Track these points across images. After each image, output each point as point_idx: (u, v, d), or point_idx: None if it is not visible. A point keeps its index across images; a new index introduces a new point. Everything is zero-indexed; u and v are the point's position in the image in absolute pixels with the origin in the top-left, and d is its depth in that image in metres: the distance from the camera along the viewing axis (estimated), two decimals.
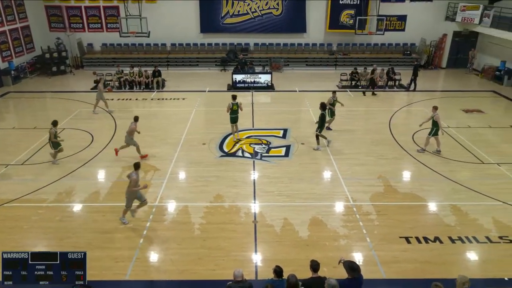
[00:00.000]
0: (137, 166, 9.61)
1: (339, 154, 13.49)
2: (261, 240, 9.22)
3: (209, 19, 25.19)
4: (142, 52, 25.85)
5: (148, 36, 21.75)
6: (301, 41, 25.98)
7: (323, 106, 13.66)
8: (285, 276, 6.35)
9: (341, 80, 21.90)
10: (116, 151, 13.23)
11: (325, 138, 14.02)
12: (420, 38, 25.93)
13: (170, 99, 19.64)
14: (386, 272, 8.23)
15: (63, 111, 17.55)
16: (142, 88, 21.14)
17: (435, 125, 13.18)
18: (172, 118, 17.10)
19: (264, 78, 21.26)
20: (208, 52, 26.02)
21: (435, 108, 13.40)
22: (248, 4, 24.99)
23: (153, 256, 8.73)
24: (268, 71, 22.52)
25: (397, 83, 21.73)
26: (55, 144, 12.59)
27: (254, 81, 21.14)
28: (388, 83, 21.57)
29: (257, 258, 8.69)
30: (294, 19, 25.24)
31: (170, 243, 9.08)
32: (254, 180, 11.92)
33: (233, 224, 9.80)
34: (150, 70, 21.52)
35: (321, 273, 6.58)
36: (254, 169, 12.55)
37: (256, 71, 22.24)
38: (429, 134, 13.46)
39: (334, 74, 23.43)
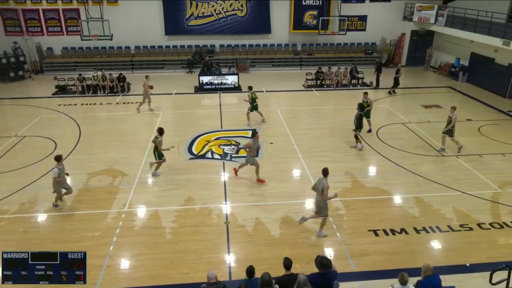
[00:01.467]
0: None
1: (308, 152, 13.69)
2: (233, 240, 9.21)
3: (174, 21, 24.88)
4: (106, 56, 25.17)
5: (111, 39, 21.21)
6: (266, 42, 26.16)
7: (361, 106, 13.83)
8: (258, 275, 6.37)
9: (307, 79, 22.23)
10: (235, 171, 12.04)
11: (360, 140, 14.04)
12: (380, 37, 26.75)
13: (136, 102, 19.20)
14: (356, 264, 8.43)
15: (23, 118, 16.81)
16: (106, 92, 20.59)
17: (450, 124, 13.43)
18: (139, 122, 16.76)
19: (231, 79, 21.25)
20: (173, 54, 25.69)
21: (453, 108, 13.50)
22: (213, 6, 24.89)
23: (124, 263, 8.52)
24: (235, 72, 22.52)
25: (360, 81, 22.32)
26: (160, 154, 11.95)
27: (221, 82, 21.08)
28: (352, 82, 22.10)
29: (230, 259, 8.67)
30: (259, 20, 25.38)
31: (141, 249, 8.89)
32: (224, 181, 11.89)
33: (205, 226, 9.73)
34: (114, 74, 21.00)
35: (294, 270, 6.65)
36: (224, 170, 12.51)
37: (223, 72, 22.19)
38: (449, 136, 13.57)
39: (300, 74, 23.75)
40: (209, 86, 21.07)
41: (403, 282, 6.41)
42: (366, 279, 7.99)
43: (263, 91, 20.92)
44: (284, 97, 19.48)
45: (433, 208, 10.53)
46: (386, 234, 9.45)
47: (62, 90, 20.79)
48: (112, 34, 20.77)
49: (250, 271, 6.46)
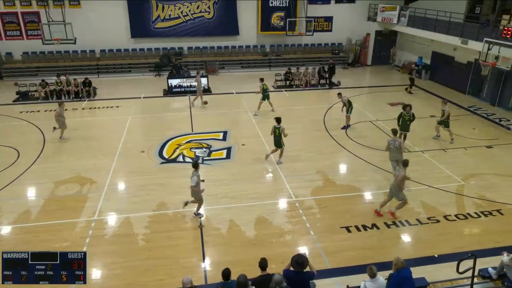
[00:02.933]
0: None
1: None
2: (208, 244, 9.14)
3: (140, 23, 24.42)
4: (69, 60, 24.37)
5: (75, 43, 20.53)
6: (234, 44, 26.16)
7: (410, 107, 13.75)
8: (234, 277, 6.36)
9: (276, 80, 22.40)
10: (393, 215, 10.24)
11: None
12: (346, 37, 27.32)
13: (103, 107, 18.76)
14: (330, 261, 8.56)
15: None
16: (71, 98, 19.95)
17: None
18: (106, 127, 16.34)
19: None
20: (140, 57, 25.22)
21: (444, 102, 14.60)
22: (179, 8, 24.63)
23: (96, 273, 8.27)
24: (204, 74, 22.37)
25: (328, 81, 22.69)
26: (282, 142, 12.67)
27: (191, 85, 20.89)
28: (320, 82, 22.46)
29: (205, 262, 8.60)
30: (227, 22, 25.34)
31: (113, 258, 8.67)
32: None
33: (179, 231, 9.61)
34: (79, 79, 20.38)
35: (269, 270, 6.69)
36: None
37: (192, 75, 22.01)
38: (445, 127, 14.51)
39: (269, 75, 23.88)
40: (178, 89, 20.84)
41: (372, 275, 6.59)
42: (341, 275, 8.12)
43: (233, 93, 20.91)
44: (255, 98, 19.49)
45: None
46: (358, 230, 9.65)
47: (23, 97, 19.95)
48: (75, 38, 20.13)
49: (226, 273, 6.44)
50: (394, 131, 11.81)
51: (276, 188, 11.60)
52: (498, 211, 10.38)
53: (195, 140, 14.88)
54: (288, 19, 24.28)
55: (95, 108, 18.84)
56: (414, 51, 25.01)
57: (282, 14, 25.43)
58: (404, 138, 13.63)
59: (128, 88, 21.73)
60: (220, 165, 12.96)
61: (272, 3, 25.23)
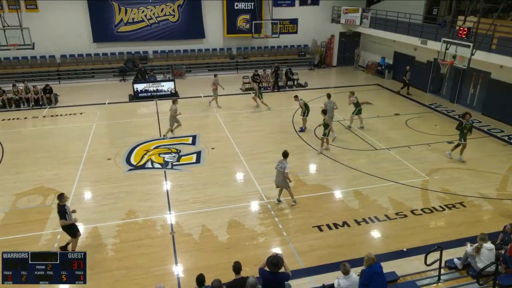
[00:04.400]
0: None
1: (249, 155, 13.81)
2: (180, 250, 9.01)
3: (102, 27, 23.79)
4: (28, 66, 23.39)
5: (33, 48, 19.61)
6: (201, 47, 26.01)
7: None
8: (209, 282, 6.30)
9: (244, 83, 22.43)
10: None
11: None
12: (311, 39, 27.78)
13: (66, 114, 18.13)
14: (304, 261, 8.65)
15: None
16: (31, 106, 19.15)
17: (357, 106, 15.91)
18: (70, 135, 15.79)
19: (167, 86, 20.81)
20: (104, 62, 24.57)
21: (352, 93, 15.93)
22: (143, 11, 24.20)
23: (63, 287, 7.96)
24: (171, 78, 22.11)
25: (295, 82, 23.00)
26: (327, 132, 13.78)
27: (157, 89, 20.58)
28: (288, 83, 22.71)
29: (178, 269, 8.47)
30: (192, 25, 25.14)
31: None
32: (167, 190, 11.61)
33: (150, 238, 9.42)
34: (39, 85, 19.60)
35: (244, 273, 6.68)
36: (166, 180, 12.21)
37: (158, 79, 21.68)
38: (353, 113, 16.05)
39: (236, 78, 23.92)
40: (145, 94, 20.46)
41: (346, 272, 6.72)
42: (315, 274, 8.23)
43: (201, 96, 20.76)
44: (222, 101, 19.46)
45: (370, 199, 11.13)
46: (330, 228, 9.81)
47: None
48: (33, 43, 19.27)
49: (200, 279, 6.37)
50: (328, 95, 15.63)
51: (247, 190, 11.60)
52: (461, 203, 10.85)
53: (163, 145, 14.65)
54: (253, 22, 24.38)
55: (57, 115, 18.17)
56: (377, 51, 25.77)
57: (247, 16, 25.53)
58: (463, 148, 13.30)
59: (92, 94, 21.11)
60: (190, 170, 12.82)
61: (237, 5, 25.28)
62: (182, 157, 13.64)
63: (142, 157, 13.70)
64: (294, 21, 26.85)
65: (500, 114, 17.01)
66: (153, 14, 24.41)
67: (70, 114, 18.15)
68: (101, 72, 24.04)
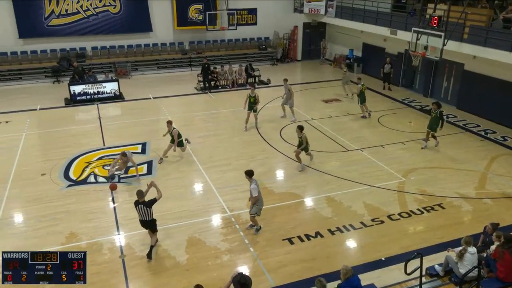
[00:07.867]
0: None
1: (207, 162, 13.72)
2: (133, 276, 8.80)
3: (29, 21, 22.87)
4: None
5: None
6: (148, 41, 25.62)
7: (438, 105, 14.06)
8: None
9: (199, 81, 22.30)
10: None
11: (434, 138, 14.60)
12: (273, 31, 28.12)
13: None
14: (274, 279, 8.68)
15: None
16: None
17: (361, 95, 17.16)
18: None
19: (110, 87, 20.31)
20: (33, 61, 23.62)
21: (285, 80, 17.20)
22: (78, 2, 23.51)
23: None
24: (114, 78, 21.59)
25: (257, 79, 23.15)
26: (306, 148, 13.09)
27: (98, 91, 20.04)
28: (248, 80, 22.80)
29: None
30: (137, 17, 24.75)
31: None
32: (114, 207, 11.33)
33: (96, 265, 9.10)
34: None
35: None
36: (112, 195, 11.88)
37: (99, 79, 21.13)
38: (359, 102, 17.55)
39: (191, 75, 23.79)
40: (84, 97, 19.87)
41: None
42: None
43: (150, 98, 20.42)
44: (175, 103, 19.29)
45: (344, 206, 11.37)
46: (301, 240, 9.92)
47: None
48: None
49: None
50: (285, 80, 17.37)
51: (208, 203, 11.51)
52: (439, 205, 11.33)
53: (108, 155, 14.26)
54: (207, 12, 24.35)
55: None
56: (345, 43, 26.50)
57: (200, 7, 25.47)
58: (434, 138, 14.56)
59: (20, 99, 20.22)
60: (140, 182, 12.55)
61: None
62: (131, 168, 13.32)
63: (83, 170, 13.28)
64: (253, 11, 27.06)
65: (475, 108, 17.95)
66: (90, 4, 23.79)
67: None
68: (30, 73, 23.12)
